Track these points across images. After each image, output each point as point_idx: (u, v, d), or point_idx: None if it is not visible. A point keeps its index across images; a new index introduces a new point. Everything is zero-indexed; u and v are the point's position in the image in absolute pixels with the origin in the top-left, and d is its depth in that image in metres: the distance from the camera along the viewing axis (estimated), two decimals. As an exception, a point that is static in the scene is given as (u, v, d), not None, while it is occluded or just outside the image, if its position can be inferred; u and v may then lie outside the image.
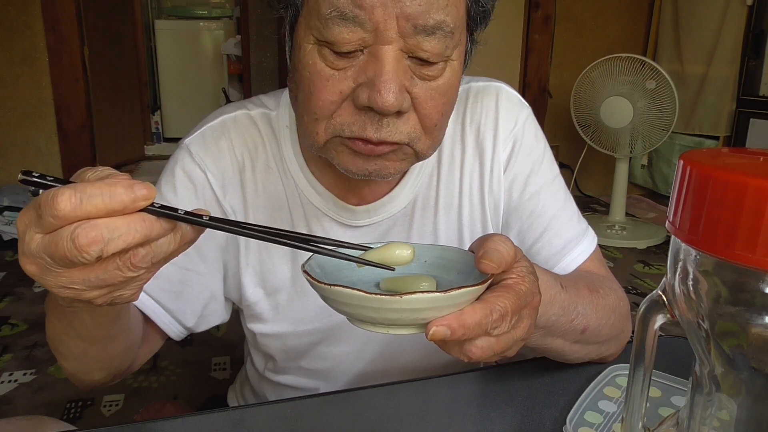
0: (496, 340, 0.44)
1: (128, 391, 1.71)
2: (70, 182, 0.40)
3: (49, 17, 2.95)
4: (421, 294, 0.39)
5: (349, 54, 0.55)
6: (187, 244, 0.43)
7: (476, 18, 0.61)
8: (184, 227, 0.42)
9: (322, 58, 0.56)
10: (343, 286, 0.40)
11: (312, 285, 0.42)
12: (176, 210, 0.40)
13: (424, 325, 0.41)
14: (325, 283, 0.41)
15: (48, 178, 0.40)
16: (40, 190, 0.39)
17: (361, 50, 0.55)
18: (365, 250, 0.46)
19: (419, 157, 0.62)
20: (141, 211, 0.39)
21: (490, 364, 0.84)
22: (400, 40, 0.54)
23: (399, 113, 0.57)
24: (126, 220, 0.38)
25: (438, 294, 0.39)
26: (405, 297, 0.39)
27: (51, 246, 0.38)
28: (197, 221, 0.41)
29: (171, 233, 0.41)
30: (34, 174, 0.40)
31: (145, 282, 0.44)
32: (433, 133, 0.61)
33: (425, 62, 0.56)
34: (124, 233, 0.38)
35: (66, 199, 0.37)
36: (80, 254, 0.37)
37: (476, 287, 0.41)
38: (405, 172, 0.73)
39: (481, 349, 0.43)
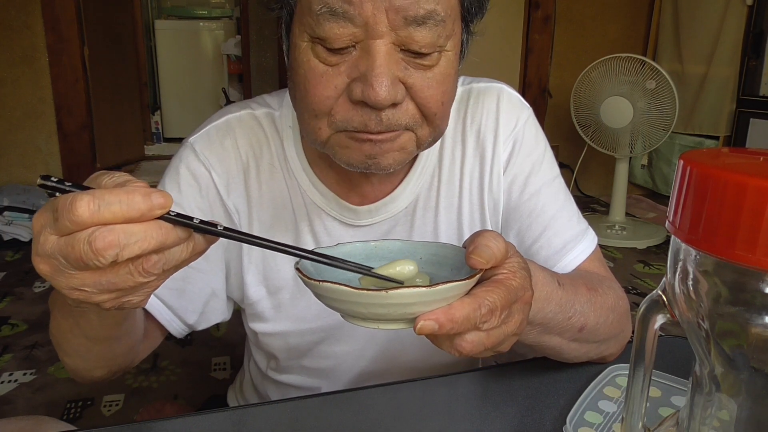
0: (486, 334, 0.44)
1: (128, 391, 1.71)
2: (88, 188, 0.40)
3: (49, 17, 2.95)
4: (407, 289, 0.40)
5: (342, 50, 0.56)
6: (198, 254, 0.43)
7: (470, 8, 0.61)
8: (197, 238, 0.42)
9: (315, 55, 0.57)
10: (333, 282, 0.41)
11: (303, 281, 0.42)
12: (192, 219, 0.41)
13: (414, 320, 0.42)
14: (315, 280, 0.41)
15: (66, 183, 0.40)
16: (57, 193, 0.40)
17: (353, 46, 0.56)
18: (368, 271, 0.45)
19: (420, 144, 0.62)
20: (157, 218, 0.39)
21: (489, 363, 0.84)
22: (391, 34, 0.54)
23: (394, 105, 0.57)
24: (143, 226, 0.39)
25: (424, 289, 0.40)
26: (391, 292, 0.39)
27: (67, 248, 0.38)
28: (212, 230, 0.42)
29: (185, 242, 0.41)
30: (52, 178, 0.40)
31: (154, 289, 0.44)
32: (434, 122, 0.61)
33: (418, 54, 0.56)
34: (140, 239, 0.38)
35: (84, 206, 0.37)
36: (96, 257, 0.38)
37: (463, 282, 0.42)
38: (407, 173, 0.73)
39: (471, 343, 0.43)
